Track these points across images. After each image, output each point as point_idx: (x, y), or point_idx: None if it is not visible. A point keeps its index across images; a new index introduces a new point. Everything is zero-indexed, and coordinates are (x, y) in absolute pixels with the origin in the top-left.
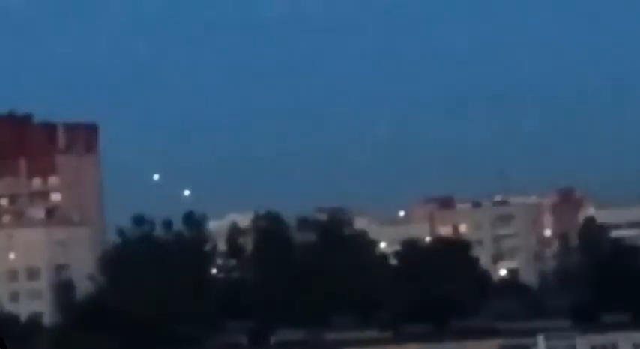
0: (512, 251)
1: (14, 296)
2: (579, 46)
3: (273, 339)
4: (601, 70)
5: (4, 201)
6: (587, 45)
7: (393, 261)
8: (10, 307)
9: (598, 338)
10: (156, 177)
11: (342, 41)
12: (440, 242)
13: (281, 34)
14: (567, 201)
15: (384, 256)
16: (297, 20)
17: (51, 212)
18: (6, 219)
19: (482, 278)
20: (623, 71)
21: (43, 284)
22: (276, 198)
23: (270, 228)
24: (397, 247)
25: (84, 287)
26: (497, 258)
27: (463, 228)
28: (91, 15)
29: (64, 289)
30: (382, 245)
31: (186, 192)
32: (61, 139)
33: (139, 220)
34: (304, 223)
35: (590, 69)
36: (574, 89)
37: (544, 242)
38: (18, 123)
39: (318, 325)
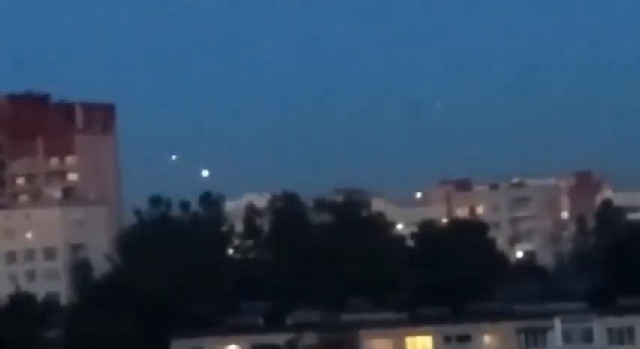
0: (529, 233)
1: (31, 276)
2: (596, 23)
3: (289, 320)
4: (623, 48)
5: (22, 181)
6: (605, 22)
7: (410, 243)
8: (26, 286)
9: (614, 321)
10: (173, 157)
11: (352, 19)
12: (456, 224)
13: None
14: (584, 183)
15: (400, 238)
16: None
17: (68, 191)
18: (23, 198)
19: (499, 261)
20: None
21: (60, 263)
22: (293, 179)
23: (287, 208)
24: (414, 229)
25: (100, 267)
26: (514, 240)
27: (480, 210)
28: None
29: (80, 269)
30: (399, 226)
31: (204, 173)
32: (79, 119)
33: (155, 200)
34: (321, 204)
35: (610, 47)
36: (592, 69)
37: (561, 224)
38: (36, 103)
39: (334, 306)
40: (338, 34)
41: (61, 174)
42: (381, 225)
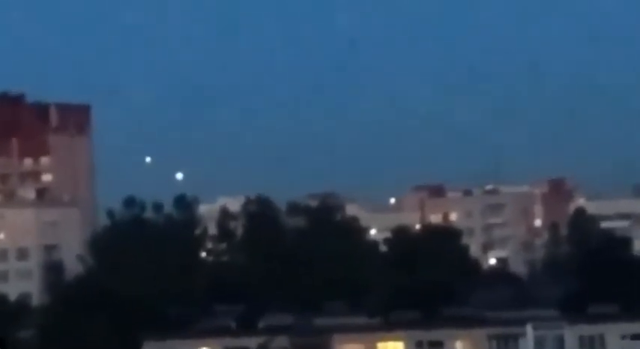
0: (503, 240)
1: (3, 276)
2: (568, 35)
3: (261, 324)
4: (595, 61)
5: None
6: (575, 34)
7: (383, 248)
8: None
9: (586, 329)
10: (148, 159)
11: (328, 25)
12: (430, 230)
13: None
14: (558, 191)
15: (374, 243)
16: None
17: (42, 192)
18: None
19: (472, 267)
20: (616, 62)
21: (33, 264)
22: (268, 183)
23: (260, 212)
24: (387, 234)
25: (73, 268)
26: (487, 247)
27: (453, 217)
28: None
29: (53, 269)
30: (372, 232)
31: (178, 175)
32: (54, 119)
33: (129, 202)
34: (295, 208)
35: (582, 59)
36: (567, 79)
37: (534, 232)
38: (10, 103)
39: (307, 310)
40: (316, 39)
41: (35, 174)
42: (354, 230)
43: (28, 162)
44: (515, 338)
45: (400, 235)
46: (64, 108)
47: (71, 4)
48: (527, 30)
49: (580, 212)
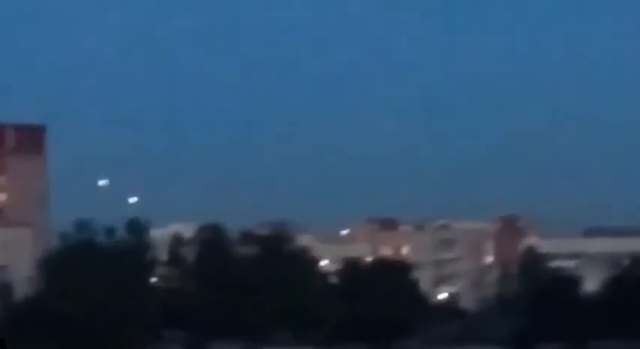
0: (453, 275)
1: None
2: (526, 73)
3: None
4: (552, 96)
5: None
6: (534, 72)
7: (334, 279)
8: None
9: None
10: (102, 182)
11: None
12: (381, 262)
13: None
14: (510, 228)
15: (324, 274)
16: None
17: None
18: None
19: (422, 301)
20: (575, 102)
21: None
22: (221, 210)
23: (212, 239)
24: (338, 266)
25: (23, 289)
26: (437, 282)
27: (405, 250)
28: (40, 15)
29: (2, 290)
30: (323, 262)
31: (132, 199)
32: (9, 140)
33: (81, 225)
34: (247, 237)
35: (541, 98)
36: (523, 118)
37: (485, 268)
38: None
39: (254, 339)
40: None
41: None
42: (305, 260)
43: None
44: None
45: (351, 267)
46: (20, 129)
47: (25, 25)
48: (477, 66)
49: (531, 250)
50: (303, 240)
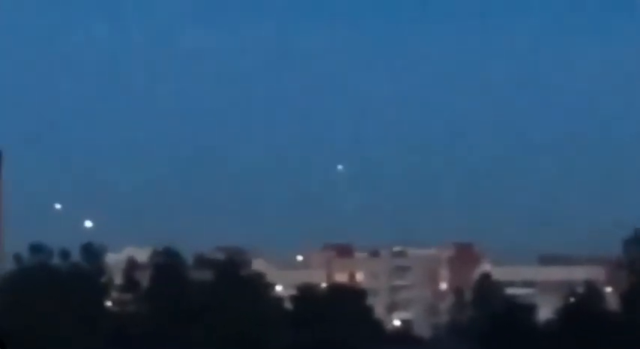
0: (408, 302)
1: None
2: (479, 102)
3: None
4: (508, 130)
5: None
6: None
7: (288, 305)
8: None
9: None
10: (57, 206)
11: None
12: (335, 289)
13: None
14: (465, 255)
15: (279, 299)
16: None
17: None
18: None
19: (376, 328)
20: (528, 132)
21: None
22: (176, 234)
23: (167, 264)
24: (293, 291)
25: None
26: (392, 309)
27: (360, 277)
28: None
29: None
30: (278, 288)
31: (87, 223)
32: None
33: (36, 248)
34: (202, 261)
35: (495, 125)
36: (478, 144)
37: (439, 295)
38: None
39: None
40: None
41: None
42: (260, 285)
43: None
44: None
45: (305, 293)
46: None
47: None
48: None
49: (485, 277)
50: (259, 265)
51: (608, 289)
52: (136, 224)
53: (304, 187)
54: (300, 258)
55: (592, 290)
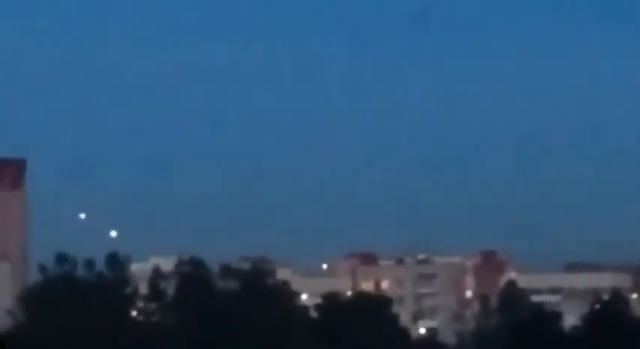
0: (433, 310)
1: None
2: (502, 101)
3: None
4: (532, 130)
5: None
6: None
7: (313, 314)
8: None
9: None
10: (82, 215)
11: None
12: (360, 297)
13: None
14: (490, 263)
15: (304, 308)
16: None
17: None
18: None
19: (401, 336)
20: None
21: None
22: (201, 244)
23: (192, 273)
24: (318, 300)
25: (2, 323)
26: (417, 316)
27: (385, 285)
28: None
29: None
30: (303, 297)
31: (112, 233)
32: None
33: (61, 258)
34: (227, 271)
35: (521, 131)
36: (500, 153)
37: (465, 303)
38: None
39: None
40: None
41: None
42: (285, 295)
43: None
44: None
45: (331, 301)
46: (0, 163)
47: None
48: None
49: (511, 285)
50: (284, 274)
51: (634, 296)
52: (162, 233)
53: (328, 196)
54: (324, 266)
55: (618, 297)
